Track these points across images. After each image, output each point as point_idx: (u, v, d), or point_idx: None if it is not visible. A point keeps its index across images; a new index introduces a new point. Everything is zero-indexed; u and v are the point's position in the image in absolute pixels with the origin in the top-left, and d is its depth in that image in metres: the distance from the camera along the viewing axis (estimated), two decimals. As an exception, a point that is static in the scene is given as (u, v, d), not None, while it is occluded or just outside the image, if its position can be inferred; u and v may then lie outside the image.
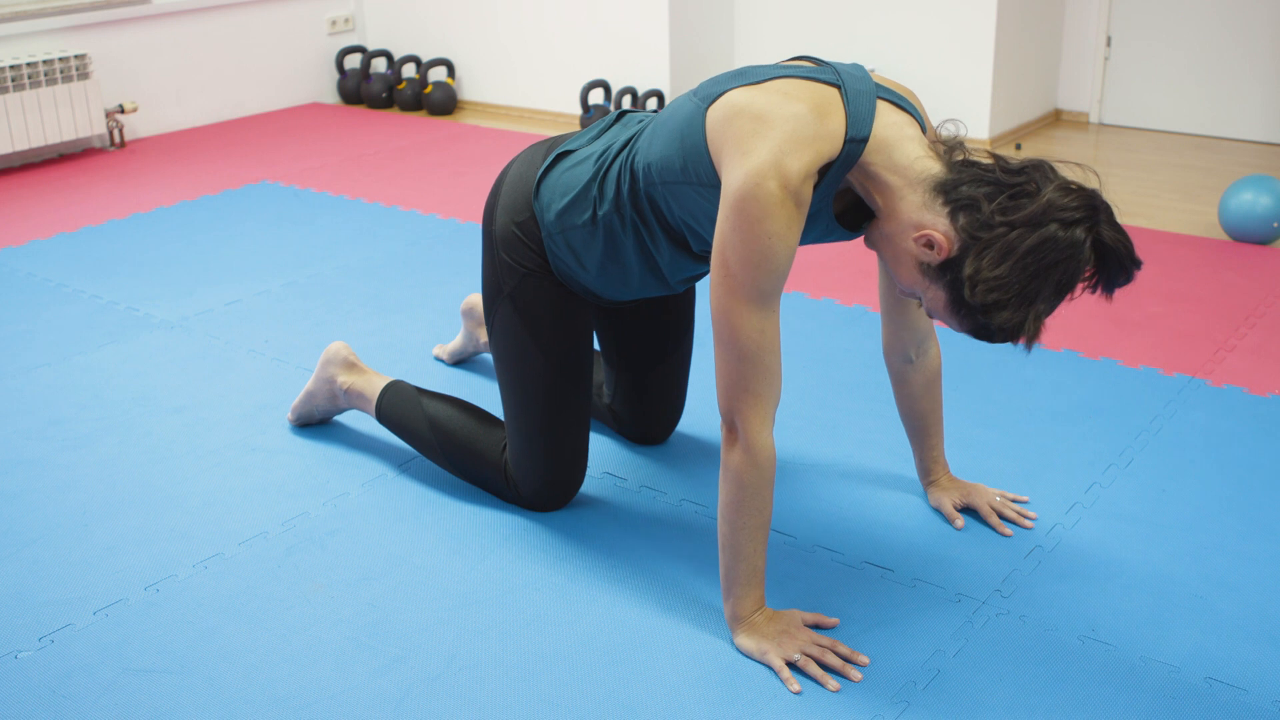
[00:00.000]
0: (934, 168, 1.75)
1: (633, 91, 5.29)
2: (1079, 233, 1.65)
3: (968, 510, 2.32)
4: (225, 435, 2.70)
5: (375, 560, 2.23)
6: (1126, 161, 4.89)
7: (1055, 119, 5.51)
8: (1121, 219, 1.75)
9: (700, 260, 2.07)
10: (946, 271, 1.72)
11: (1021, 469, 2.48)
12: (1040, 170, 1.70)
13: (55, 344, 3.22)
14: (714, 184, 1.85)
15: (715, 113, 1.83)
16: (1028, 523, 2.28)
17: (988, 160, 1.74)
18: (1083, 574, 2.14)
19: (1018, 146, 5.08)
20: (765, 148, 1.73)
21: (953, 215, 1.70)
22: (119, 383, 2.98)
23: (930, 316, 1.83)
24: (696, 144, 1.85)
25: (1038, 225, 1.64)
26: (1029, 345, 1.71)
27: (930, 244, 1.72)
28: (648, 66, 5.40)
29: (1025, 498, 2.36)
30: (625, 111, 2.21)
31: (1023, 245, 1.64)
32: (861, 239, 1.95)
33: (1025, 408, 2.74)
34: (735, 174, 1.75)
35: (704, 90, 1.90)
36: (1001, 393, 2.80)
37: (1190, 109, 5.22)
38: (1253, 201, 3.78)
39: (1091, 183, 1.72)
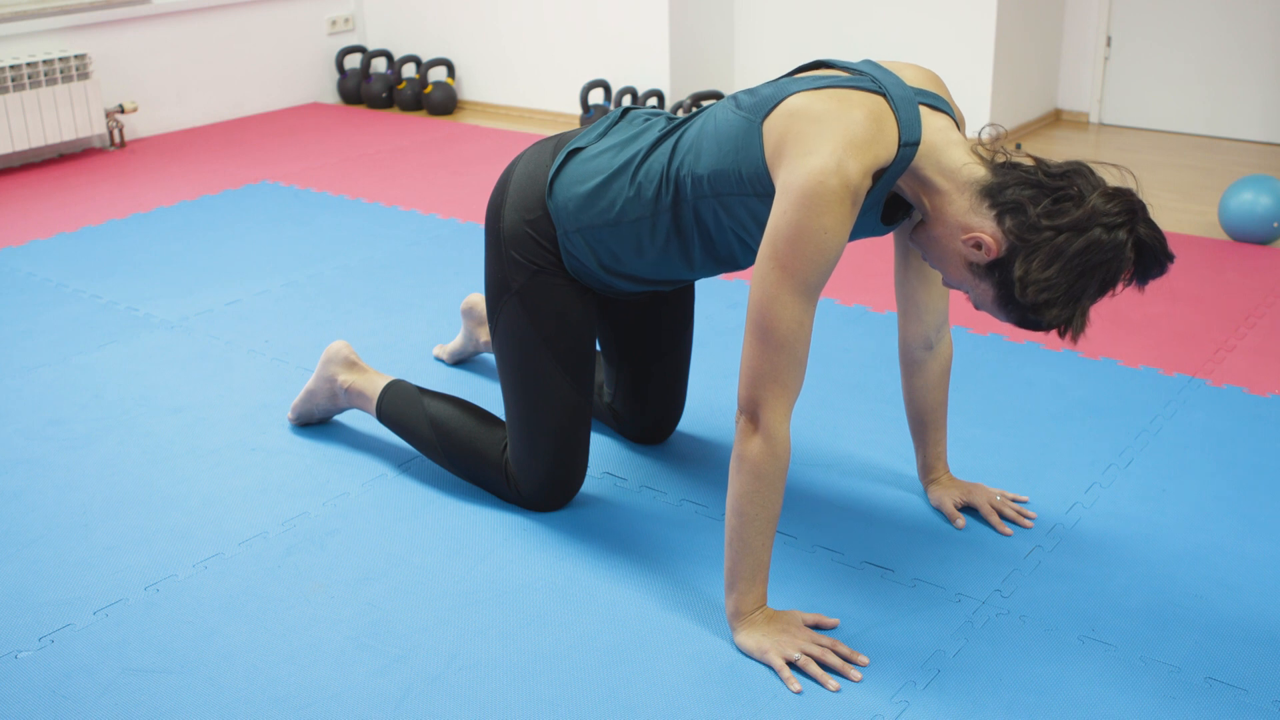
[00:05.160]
0: (979, 172, 1.84)
1: (633, 91, 5.29)
2: (1121, 235, 1.75)
3: (968, 509, 2.32)
4: (225, 435, 2.70)
5: (375, 560, 2.23)
6: (1126, 161, 4.88)
7: (1055, 119, 5.51)
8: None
9: (719, 266, 2.11)
10: (995, 270, 1.82)
11: (1021, 469, 2.48)
12: (1082, 175, 1.79)
13: (55, 344, 3.22)
14: (772, 193, 1.88)
15: (773, 121, 1.87)
16: (1028, 522, 2.28)
17: (1029, 162, 1.83)
18: (1083, 574, 2.14)
19: (1018, 146, 5.07)
20: (828, 147, 1.78)
21: (999, 218, 1.79)
22: (119, 383, 2.98)
23: (977, 309, 1.92)
24: (754, 157, 1.89)
25: (1083, 230, 1.74)
26: (1075, 338, 1.80)
27: (979, 245, 1.81)
28: (648, 66, 5.40)
29: (1025, 497, 2.36)
30: (629, 109, 2.22)
31: (1070, 248, 1.74)
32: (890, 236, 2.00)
33: (1025, 408, 2.74)
34: (797, 170, 1.79)
35: (746, 103, 1.94)
36: (1001, 393, 2.80)
37: (1190, 109, 5.22)
38: (1253, 201, 3.78)
39: (1128, 183, 1.81)
